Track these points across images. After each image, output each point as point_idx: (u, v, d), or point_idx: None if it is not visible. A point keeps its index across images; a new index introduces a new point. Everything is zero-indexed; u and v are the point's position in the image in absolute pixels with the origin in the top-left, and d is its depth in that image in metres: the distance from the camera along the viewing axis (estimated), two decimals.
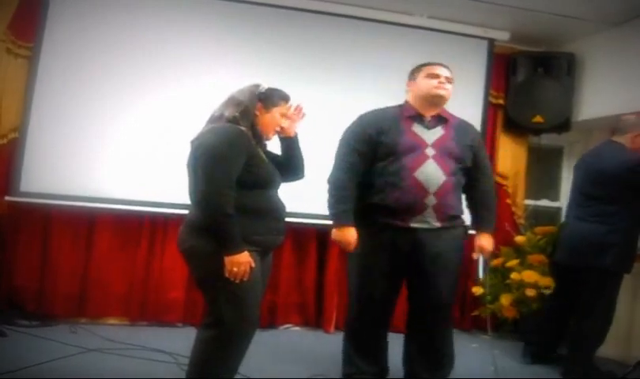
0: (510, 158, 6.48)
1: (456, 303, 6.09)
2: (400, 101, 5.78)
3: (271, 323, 5.63)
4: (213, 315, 3.18)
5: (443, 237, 3.90)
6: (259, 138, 3.35)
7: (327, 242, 5.79)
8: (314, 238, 5.82)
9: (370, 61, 5.86)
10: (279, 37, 5.69)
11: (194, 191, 3.21)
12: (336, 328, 5.77)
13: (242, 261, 3.09)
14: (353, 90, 5.76)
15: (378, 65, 5.85)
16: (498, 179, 6.35)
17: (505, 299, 5.70)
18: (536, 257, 5.80)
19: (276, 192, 3.40)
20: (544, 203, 6.88)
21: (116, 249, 5.41)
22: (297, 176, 3.63)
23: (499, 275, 5.93)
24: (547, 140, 6.56)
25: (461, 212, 4.13)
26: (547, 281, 5.55)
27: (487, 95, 6.26)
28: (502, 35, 6.21)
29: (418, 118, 3.98)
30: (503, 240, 6.15)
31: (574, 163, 5.15)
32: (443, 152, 3.88)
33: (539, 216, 6.56)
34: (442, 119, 4.01)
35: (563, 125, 6.25)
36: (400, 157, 3.81)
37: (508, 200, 6.42)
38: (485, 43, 6.22)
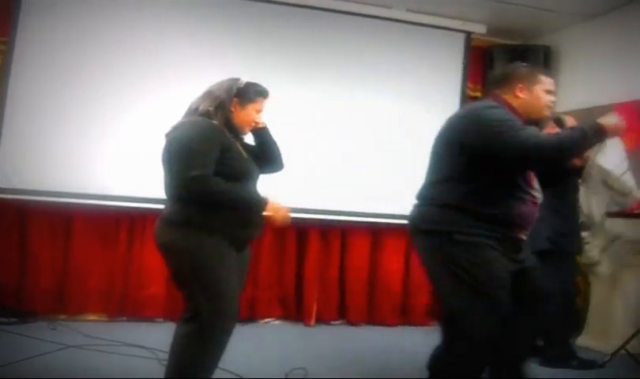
0: None
1: (436, 295, 6.17)
2: (378, 96, 5.86)
3: (251, 317, 5.62)
4: (191, 310, 3.17)
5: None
6: (235, 132, 3.34)
7: (306, 235, 5.81)
8: (293, 231, 5.82)
9: (346, 55, 5.85)
10: (266, 33, 5.69)
11: (170, 186, 3.21)
12: (317, 320, 5.78)
13: (276, 208, 3.23)
14: (329, 84, 5.77)
15: (355, 58, 5.86)
16: None
17: None
18: None
19: (254, 185, 3.39)
20: None
21: (95, 244, 5.38)
22: (274, 167, 3.61)
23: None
24: None
25: None
26: None
27: (464, 87, 6.29)
28: (479, 28, 6.25)
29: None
30: None
31: None
32: None
33: None
34: None
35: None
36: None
37: None
38: (462, 36, 6.25)
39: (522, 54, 6.24)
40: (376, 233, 6.03)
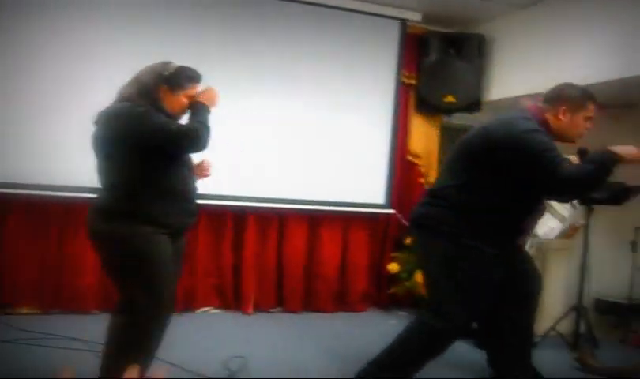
0: (422, 138, 6.57)
1: (373, 280, 6.25)
2: (314, 83, 5.85)
3: (189, 306, 5.55)
4: (125, 300, 3.14)
5: None
6: (167, 116, 3.22)
7: (243, 223, 5.78)
8: (229, 219, 5.78)
9: (280, 42, 5.79)
10: (201, 23, 5.58)
11: (105, 174, 3.16)
12: (255, 308, 5.77)
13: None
14: (262, 71, 5.72)
15: (288, 45, 5.82)
16: (411, 159, 6.46)
17: (420, 276, 5.80)
18: None
19: (188, 171, 3.33)
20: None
21: (26, 235, 5.24)
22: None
23: (414, 252, 6.03)
24: (458, 119, 6.69)
25: None
26: None
27: (399, 75, 6.31)
28: (414, 16, 6.26)
29: None
30: None
31: None
32: None
33: None
34: None
35: (474, 105, 6.37)
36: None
37: (421, 180, 6.50)
38: (397, 24, 6.25)
39: (457, 42, 6.33)
40: (313, 220, 6.04)
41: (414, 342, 3.47)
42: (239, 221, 5.81)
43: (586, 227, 5.16)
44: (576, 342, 4.98)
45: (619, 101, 5.71)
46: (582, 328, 5.09)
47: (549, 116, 3.48)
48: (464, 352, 4.50)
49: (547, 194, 3.55)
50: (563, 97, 3.48)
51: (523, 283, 3.71)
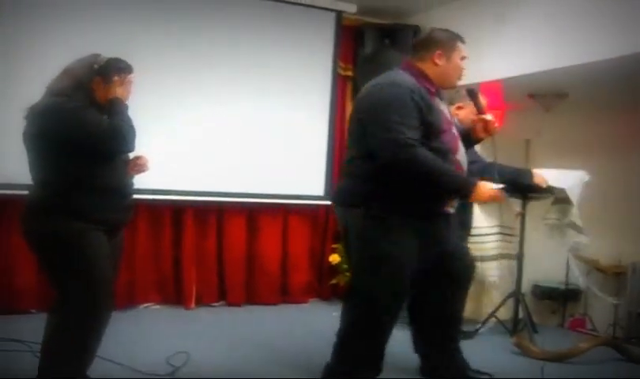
0: None
1: (315, 272, 6.27)
2: (248, 75, 5.82)
3: (130, 303, 5.47)
4: (61, 298, 3.09)
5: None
6: (101, 110, 3.17)
7: (182, 217, 5.74)
8: (168, 213, 5.72)
9: (213, 33, 5.73)
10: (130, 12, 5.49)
11: (36, 170, 3.10)
12: (197, 303, 5.73)
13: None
14: (197, 64, 5.65)
15: (222, 37, 5.76)
16: None
17: None
18: None
19: (123, 167, 3.28)
20: None
21: None
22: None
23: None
24: None
25: None
26: None
27: (335, 66, 6.32)
28: (349, 7, 6.28)
29: (438, 92, 3.51)
30: None
31: None
32: (456, 130, 3.54)
33: None
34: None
35: None
36: (441, 138, 3.33)
37: None
38: (333, 15, 6.26)
39: (392, 33, 6.36)
40: (253, 213, 6.02)
41: (353, 322, 3.44)
42: (178, 215, 5.76)
43: (522, 214, 5.26)
44: (515, 327, 5.07)
45: (550, 91, 5.84)
46: (521, 313, 5.19)
47: (424, 65, 3.44)
48: None
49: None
50: (435, 42, 3.46)
51: (452, 267, 3.62)
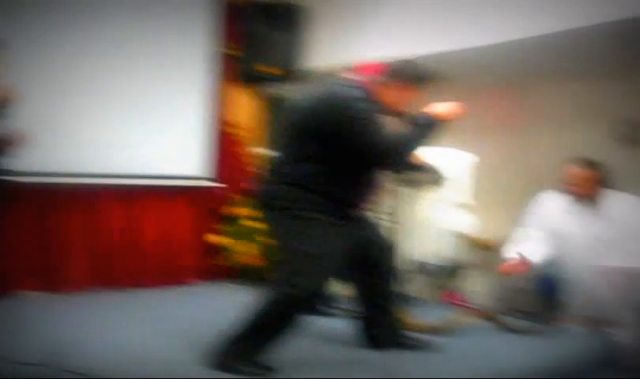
0: (243, 108, 6.57)
1: (199, 253, 6.19)
2: (134, 56, 5.66)
3: (8, 290, 5.12)
4: None
5: None
6: None
7: (64, 200, 5.51)
8: (49, 197, 5.42)
9: (86, 6, 5.50)
10: None
11: None
12: (81, 288, 5.50)
13: None
14: (73, 43, 5.43)
15: (98, 11, 5.54)
16: (231, 130, 6.44)
17: (245, 247, 5.85)
18: None
19: None
20: None
21: None
22: None
23: (237, 223, 6.05)
24: (278, 89, 6.72)
25: None
26: None
27: (218, 46, 6.25)
28: None
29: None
30: (240, 189, 6.29)
31: None
32: None
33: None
34: None
35: (294, 75, 6.42)
36: None
37: (243, 151, 6.52)
38: None
39: (275, 12, 6.31)
40: (135, 195, 5.85)
41: (268, 314, 3.50)
42: (59, 199, 5.50)
43: (405, 194, 5.34)
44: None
45: (438, 75, 5.97)
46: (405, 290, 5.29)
47: (381, 88, 3.60)
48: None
49: (370, 164, 3.60)
50: (400, 73, 3.63)
51: (371, 252, 3.95)
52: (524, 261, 4.42)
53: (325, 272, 3.57)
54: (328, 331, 4.26)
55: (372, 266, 3.98)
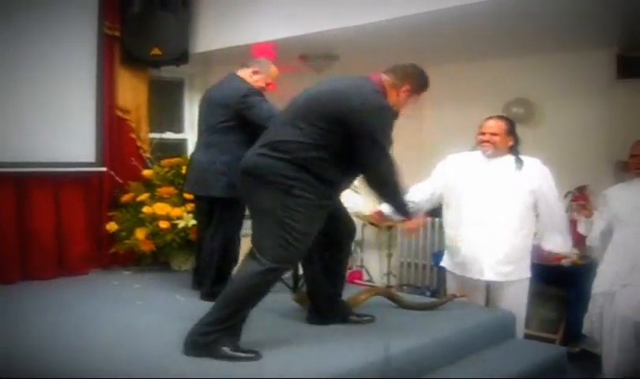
0: (130, 91, 6.40)
1: (92, 241, 6.02)
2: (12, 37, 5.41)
3: None
4: None
5: None
6: None
7: None
8: None
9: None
10: None
11: None
12: None
13: None
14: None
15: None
16: (120, 114, 6.30)
17: (140, 233, 5.75)
18: (166, 189, 5.93)
19: None
20: (169, 135, 6.99)
21: None
22: None
23: (132, 210, 5.94)
24: (167, 72, 6.63)
25: None
26: (178, 212, 5.73)
27: (101, 27, 6.04)
28: None
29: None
30: (131, 175, 6.19)
31: (197, 95, 5.28)
32: None
33: (165, 149, 6.64)
34: None
35: (181, 58, 6.37)
36: None
37: (132, 135, 6.37)
38: None
39: None
40: (20, 183, 5.55)
41: (250, 286, 3.52)
42: None
43: None
44: (295, 284, 5.20)
45: (321, 52, 6.04)
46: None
47: (390, 90, 3.77)
48: None
49: (365, 176, 3.82)
50: (410, 78, 3.83)
51: (337, 227, 4.05)
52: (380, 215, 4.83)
53: (304, 251, 3.69)
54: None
55: (334, 243, 4.09)
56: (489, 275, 4.55)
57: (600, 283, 4.65)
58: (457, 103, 6.13)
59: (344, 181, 3.85)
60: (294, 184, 3.52)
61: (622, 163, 5.27)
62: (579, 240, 5.12)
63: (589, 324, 4.73)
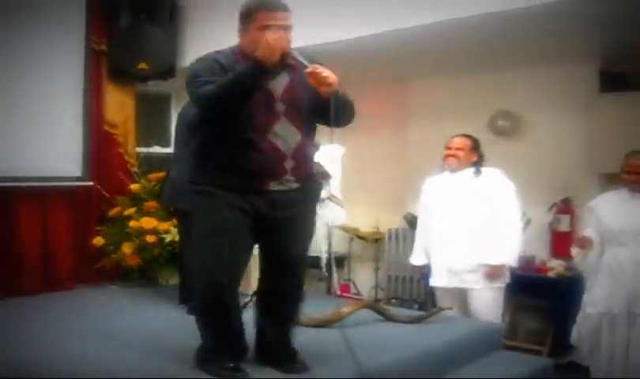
0: (117, 106, 6.43)
1: (79, 256, 6.00)
2: None
3: None
4: None
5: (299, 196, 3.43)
6: None
7: None
8: None
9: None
10: None
11: None
12: None
13: None
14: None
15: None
16: (108, 128, 6.31)
17: (127, 248, 5.75)
18: (153, 204, 5.95)
19: None
20: (156, 150, 7.00)
21: None
22: None
23: (119, 224, 5.94)
24: (154, 87, 6.65)
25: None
26: (165, 226, 5.73)
27: (88, 41, 6.08)
28: None
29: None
30: (118, 189, 6.19)
31: None
32: (294, 105, 3.32)
33: (152, 163, 6.65)
34: (286, 64, 3.26)
35: (168, 72, 6.39)
36: (250, 115, 3.20)
37: (120, 149, 6.40)
38: None
39: (148, 7, 6.25)
40: (6, 197, 5.56)
41: (200, 299, 3.37)
42: None
43: None
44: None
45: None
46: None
47: (241, 41, 3.34)
48: None
49: (202, 116, 3.34)
50: (239, 18, 3.31)
51: (283, 246, 3.45)
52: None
53: (221, 255, 3.25)
54: None
55: (279, 263, 3.50)
56: (455, 282, 4.68)
57: (594, 302, 4.62)
58: (442, 117, 6.17)
59: (235, 159, 3.25)
60: (190, 179, 3.40)
61: (606, 176, 5.32)
62: (565, 252, 5.15)
63: (577, 336, 4.73)
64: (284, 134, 3.28)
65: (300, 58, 3.18)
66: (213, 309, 3.34)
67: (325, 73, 3.12)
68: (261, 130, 3.23)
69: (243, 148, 3.22)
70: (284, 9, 3.27)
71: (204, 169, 3.30)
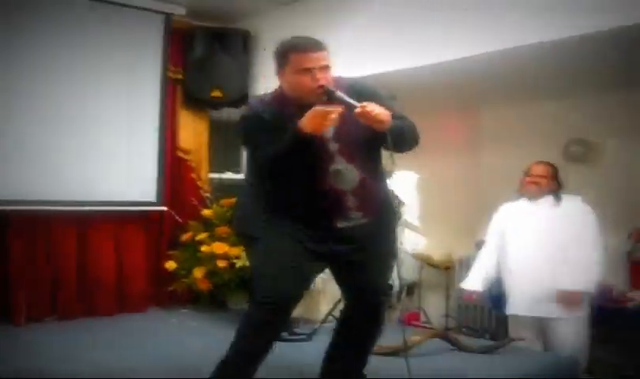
0: (191, 133, 6.56)
1: (152, 279, 6.10)
2: (77, 82, 5.57)
3: None
4: None
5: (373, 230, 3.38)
6: None
7: (6, 227, 5.38)
8: None
9: (34, 33, 5.43)
10: None
11: None
12: (27, 319, 5.35)
13: None
14: (18, 66, 5.37)
15: (46, 37, 5.49)
16: (181, 155, 6.43)
17: (198, 272, 5.81)
18: (224, 229, 5.99)
19: None
20: (228, 176, 7.07)
21: None
22: None
23: (191, 249, 6.02)
24: (227, 114, 6.74)
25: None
26: (236, 251, 5.76)
27: (165, 70, 6.21)
28: (178, 10, 6.19)
29: (303, 108, 3.08)
30: (191, 214, 6.27)
31: None
32: (348, 143, 3.23)
33: (224, 189, 6.72)
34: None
35: (241, 100, 6.46)
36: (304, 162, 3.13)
37: (193, 175, 6.51)
38: (162, 18, 6.14)
39: (222, 36, 6.39)
40: (84, 222, 5.74)
41: (241, 331, 3.27)
42: (9, 227, 5.39)
43: None
44: None
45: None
46: None
47: (280, 81, 3.22)
48: None
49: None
50: (275, 62, 3.19)
51: (361, 280, 3.39)
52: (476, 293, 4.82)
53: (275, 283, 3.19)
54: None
55: (359, 306, 3.47)
56: (536, 310, 4.53)
57: None
58: (514, 145, 6.07)
59: (289, 204, 3.26)
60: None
61: None
62: None
63: None
64: (342, 173, 3.21)
65: (346, 99, 3.03)
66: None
67: (375, 110, 2.99)
68: (318, 173, 3.18)
69: (300, 196, 3.21)
70: (318, 48, 3.11)
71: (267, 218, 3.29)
